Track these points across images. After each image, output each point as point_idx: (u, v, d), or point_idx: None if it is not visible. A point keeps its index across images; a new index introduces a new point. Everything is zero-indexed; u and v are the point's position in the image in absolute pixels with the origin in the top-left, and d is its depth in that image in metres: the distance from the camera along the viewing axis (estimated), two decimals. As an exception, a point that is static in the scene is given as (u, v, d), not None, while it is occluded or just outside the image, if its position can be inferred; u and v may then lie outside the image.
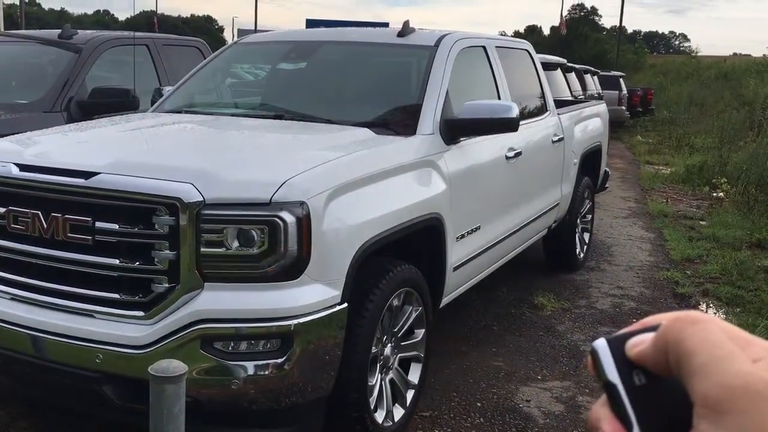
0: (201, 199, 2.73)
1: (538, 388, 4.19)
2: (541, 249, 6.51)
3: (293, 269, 2.79)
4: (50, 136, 3.50)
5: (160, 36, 6.87)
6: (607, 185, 7.88)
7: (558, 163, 5.77)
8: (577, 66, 15.27)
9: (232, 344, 2.76)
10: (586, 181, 6.63)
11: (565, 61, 10.73)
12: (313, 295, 2.84)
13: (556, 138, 5.65)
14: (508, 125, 3.96)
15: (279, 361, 2.77)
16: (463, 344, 4.79)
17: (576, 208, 6.39)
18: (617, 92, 20.99)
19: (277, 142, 3.50)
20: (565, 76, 10.81)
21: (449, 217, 3.78)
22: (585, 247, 6.89)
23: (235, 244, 2.75)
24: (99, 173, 2.85)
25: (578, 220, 6.56)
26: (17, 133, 3.60)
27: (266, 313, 2.76)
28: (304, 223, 2.79)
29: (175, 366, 2.05)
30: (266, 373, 2.77)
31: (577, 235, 6.59)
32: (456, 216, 3.87)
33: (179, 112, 4.30)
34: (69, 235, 2.87)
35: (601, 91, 17.61)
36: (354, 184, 3.11)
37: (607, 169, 7.74)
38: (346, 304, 2.96)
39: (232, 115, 4.19)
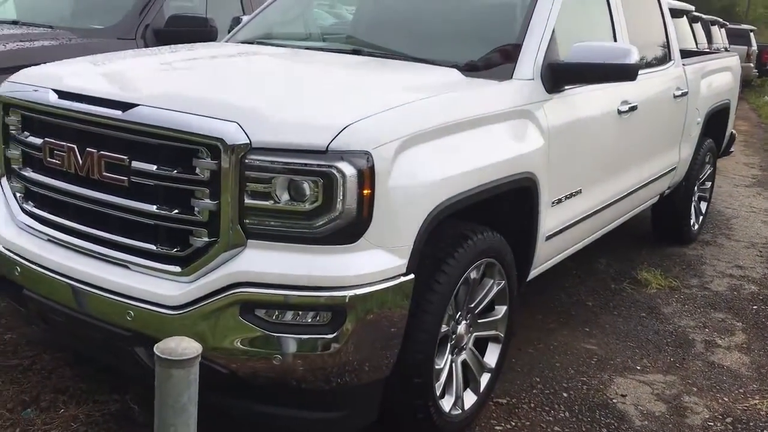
0: (246, 141, 2.31)
1: (637, 380, 3.63)
2: (648, 217, 5.81)
3: (350, 231, 2.35)
4: (102, 61, 3.16)
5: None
6: (732, 149, 6.99)
7: (679, 121, 5.03)
8: (704, 16, 13.88)
9: (276, 313, 2.37)
10: (708, 143, 5.83)
11: (692, 8, 9.63)
12: (373, 263, 2.39)
13: (679, 92, 4.89)
14: (625, 73, 3.32)
15: (329, 336, 2.36)
16: (552, 320, 4.27)
17: (694, 174, 5.63)
18: (746, 48, 19.34)
19: (347, 80, 3.02)
20: (690, 26, 9.74)
21: (545, 178, 3.23)
22: (701, 218, 6.13)
23: (285, 197, 2.34)
24: (137, 105, 2.48)
25: (696, 188, 5.80)
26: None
27: (316, 281, 2.34)
28: (367, 178, 2.33)
29: (185, 346, 1.67)
30: (314, 349, 2.37)
31: (692, 204, 5.84)
32: (553, 177, 3.31)
33: (252, 42, 3.89)
34: (104, 174, 2.54)
35: (728, 46, 16.11)
36: (431, 134, 2.62)
37: (734, 131, 6.84)
38: (412, 276, 2.51)
39: (307, 48, 3.73)
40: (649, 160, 4.59)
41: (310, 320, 2.38)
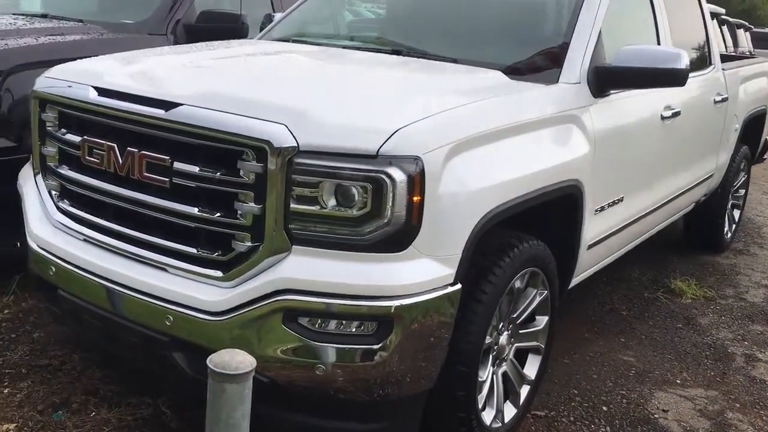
0: (294, 144, 2.23)
1: (678, 395, 3.53)
2: (677, 224, 5.68)
3: (399, 239, 2.27)
4: (139, 58, 3.09)
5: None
6: (766, 156, 6.85)
7: (718, 127, 4.91)
8: (730, 19, 13.67)
9: (319, 322, 2.30)
10: (744, 150, 5.71)
11: (723, 11, 9.45)
12: (421, 273, 2.31)
13: (719, 98, 4.78)
14: (675, 78, 3.22)
15: (374, 347, 2.28)
16: (586, 330, 4.17)
17: (730, 181, 5.51)
18: (771, 51, 18.98)
19: (392, 82, 2.93)
20: (720, 30, 9.56)
21: (590, 185, 3.13)
22: (734, 226, 6.00)
23: (332, 202, 2.26)
24: (181, 104, 2.41)
25: (730, 195, 5.67)
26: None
27: (362, 290, 2.26)
28: (417, 184, 2.25)
29: (241, 360, 1.59)
30: (358, 360, 2.29)
31: (726, 212, 5.71)
32: (597, 184, 3.22)
33: (287, 40, 3.81)
34: (145, 174, 2.47)
35: (753, 50, 15.86)
36: (481, 139, 2.53)
37: (767, 138, 6.70)
38: (459, 285, 2.42)
39: (344, 47, 3.65)
40: (688, 167, 4.48)
41: (354, 330, 2.30)
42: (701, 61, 4.75)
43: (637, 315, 4.45)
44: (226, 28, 4.75)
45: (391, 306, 2.26)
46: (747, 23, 16.47)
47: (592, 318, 4.33)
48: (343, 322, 2.29)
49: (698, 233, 5.67)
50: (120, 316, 2.54)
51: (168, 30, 4.77)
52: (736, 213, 6.08)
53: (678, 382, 3.67)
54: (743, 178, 5.98)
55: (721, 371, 3.82)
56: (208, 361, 1.66)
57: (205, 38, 4.23)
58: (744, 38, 15.66)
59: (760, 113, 5.88)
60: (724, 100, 4.86)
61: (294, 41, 3.79)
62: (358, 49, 3.59)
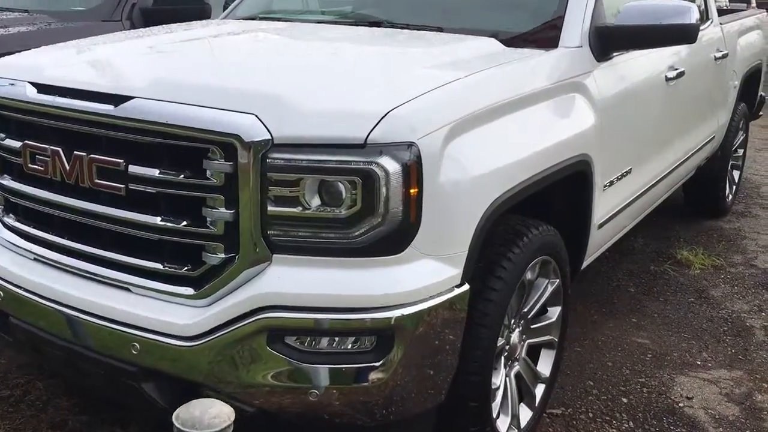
0: (267, 136, 1.91)
1: (701, 379, 3.27)
2: (678, 190, 5.41)
3: (396, 239, 1.96)
4: (86, 47, 2.72)
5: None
6: (761, 112, 6.58)
7: (719, 85, 4.63)
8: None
9: (309, 340, 1.99)
10: (742, 108, 5.43)
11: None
12: (424, 276, 2.01)
13: (719, 54, 4.48)
14: (686, 34, 2.91)
15: (374, 365, 1.98)
16: (594, 311, 3.90)
17: (730, 141, 5.24)
18: (745, 5, 18.75)
19: (375, 58, 2.59)
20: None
21: (599, 159, 2.83)
22: (734, 187, 5.75)
23: (316, 201, 1.94)
24: (132, 97, 2.07)
25: (730, 156, 5.41)
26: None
27: (357, 300, 1.95)
28: (414, 174, 1.94)
29: (215, 414, 1.28)
30: (356, 381, 1.99)
31: (726, 174, 5.45)
32: (606, 157, 2.92)
33: (254, 18, 3.45)
34: (96, 181, 2.13)
35: (728, 4, 15.62)
36: (482, 117, 2.22)
37: (763, 93, 6.43)
38: (467, 286, 2.12)
39: (319, 22, 3.30)
40: (692, 130, 4.20)
41: (350, 347, 2.00)
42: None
43: (646, 291, 4.19)
44: (187, 9, 4.38)
45: (391, 317, 1.96)
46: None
47: (598, 298, 4.06)
48: (337, 339, 1.98)
49: (699, 197, 5.40)
50: (81, 345, 2.21)
51: (123, 15, 4.39)
52: (736, 174, 5.82)
53: (699, 363, 3.41)
54: (742, 137, 5.72)
55: (742, 348, 3.57)
56: (174, 419, 1.35)
57: (165, 22, 3.86)
58: (720, -9, 15.44)
59: (757, 68, 5.60)
60: (724, 56, 4.57)
61: (262, 19, 3.43)
62: (334, 23, 3.24)
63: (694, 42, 2.97)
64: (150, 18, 4.40)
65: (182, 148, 2.00)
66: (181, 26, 3.17)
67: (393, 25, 3.03)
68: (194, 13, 4.33)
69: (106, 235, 2.19)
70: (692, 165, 4.50)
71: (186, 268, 2.06)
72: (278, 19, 3.38)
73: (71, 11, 4.32)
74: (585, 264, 3.14)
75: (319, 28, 3.16)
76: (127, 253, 2.15)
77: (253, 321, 1.97)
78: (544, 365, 2.80)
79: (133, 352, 2.09)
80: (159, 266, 2.10)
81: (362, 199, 1.91)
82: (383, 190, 1.90)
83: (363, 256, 1.96)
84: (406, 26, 3.01)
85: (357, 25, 3.10)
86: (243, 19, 3.48)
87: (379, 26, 3.05)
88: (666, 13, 2.90)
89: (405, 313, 1.97)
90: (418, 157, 1.94)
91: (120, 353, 2.12)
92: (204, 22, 3.34)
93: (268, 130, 1.91)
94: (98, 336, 2.16)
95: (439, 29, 2.94)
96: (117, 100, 2.08)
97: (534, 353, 2.78)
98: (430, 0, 3.24)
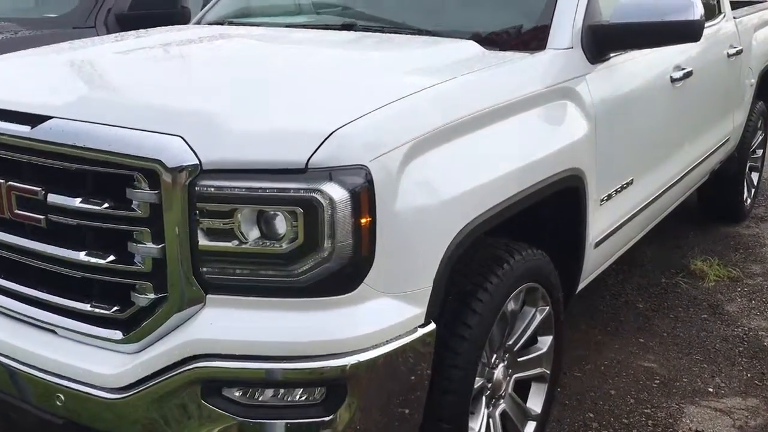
0: (195, 161, 1.67)
1: (712, 409, 2.98)
2: (693, 194, 5.10)
3: (346, 277, 1.71)
4: (16, 59, 2.49)
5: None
6: (781, 110, 6.23)
7: (733, 84, 4.31)
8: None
9: (251, 392, 1.74)
10: (760, 106, 5.10)
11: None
12: (380, 317, 1.76)
13: (733, 50, 4.17)
14: (689, 32, 2.63)
15: (325, 419, 1.74)
16: (598, 331, 3.61)
17: (747, 142, 4.91)
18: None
19: (336, 67, 2.33)
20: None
21: (592, 171, 2.56)
22: (752, 191, 5.41)
23: (254, 234, 1.70)
24: (50, 117, 1.84)
25: (748, 158, 5.08)
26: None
27: (302, 347, 1.71)
28: (364, 202, 1.69)
29: None
30: (305, 437, 1.74)
31: (744, 177, 5.13)
32: (601, 169, 2.65)
33: (221, 23, 3.21)
34: (16, 212, 1.90)
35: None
36: (452, 131, 1.96)
37: (782, 90, 6.08)
38: (433, 325, 1.87)
39: (288, 25, 3.05)
40: (703, 133, 3.90)
41: (297, 399, 1.75)
42: (710, 11, 4.13)
43: (655, 307, 3.89)
44: (165, 14, 4.15)
45: (345, 365, 1.71)
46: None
47: (604, 315, 3.78)
48: (282, 390, 1.74)
49: (715, 202, 5.08)
50: (8, 393, 1.99)
51: (98, 22, 4.17)
52: (755, 176, 5.49)
53: (710, 390, 3.12)
54: (760, 137, 5.38)
55: (758, 372, 3.27)
56: None
57: (142, 28, 3.64)
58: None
59: (774, 64, 5.26)
60: (739, 52, 4.25)
61: (230, 23, 3.18)
62: (303, 27, 2.99)
63: (698, 40, 2.68)
64: (126, 23, 4.18)
65: (105, 175, 1.77)
66: (136, 33, 2.94)
67: (366, 28, 2.78)
68: (173, 18, 4.12)
69: (31, 271, 1.96)
70: (705, 170, 4.19)
71: (114, 308, 1.83)
72: (246, 24, 3.13)
73: (42, 18, 4.13)
74: (582, 286, 2.87)
75: (284, 33, 2.90)
76: (53, 291, 1.92)
77: (185, 371, 1.73)
78: (535, 401, 2.53)
79: (58, 403, 1.86)
80: (86, 306, 1.87)
81: (305, 232, 1.66)
82: (328, 221, 1.65)
83: (308, 296, 1.71)
84: (381, 29, 2.75)
85: (327, 29, 2.84)
86: (211, 23, 3.25)
87: (351, 29, 2.80)
88: (667, 8, 2.62)
89: (360, 360, 1.73)
90: (370, 182, 1.69)
91: (46, 404, 1.89)
92: (166, 28, 3.10)
93: (196, 155, 1.67)
94: (24, 384, 1.93)
95: (418, 32, 2.69)
96: (35, 120, 1.85)
97: (523, 388, 2.51)
98: (407, 1, 2.97)
